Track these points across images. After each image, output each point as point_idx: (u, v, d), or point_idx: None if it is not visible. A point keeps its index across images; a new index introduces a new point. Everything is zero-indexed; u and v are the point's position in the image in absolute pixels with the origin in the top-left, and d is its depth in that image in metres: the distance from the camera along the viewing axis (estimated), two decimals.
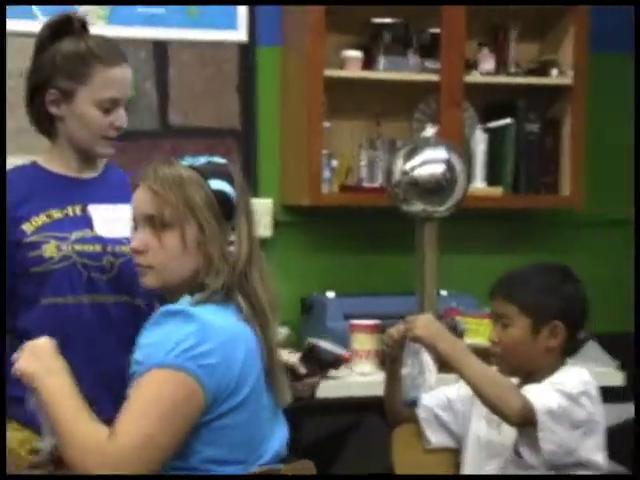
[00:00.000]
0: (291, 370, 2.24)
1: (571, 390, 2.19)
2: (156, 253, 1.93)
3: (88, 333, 2.24)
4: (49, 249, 2.26)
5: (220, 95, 3.55)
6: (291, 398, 2.02)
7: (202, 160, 1.99)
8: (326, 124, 3.49)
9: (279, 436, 1.97)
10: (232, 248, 1.94)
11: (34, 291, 2.26)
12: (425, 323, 2.30)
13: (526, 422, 2.16)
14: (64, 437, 1.79)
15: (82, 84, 2.27)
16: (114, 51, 2.32)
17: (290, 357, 2.28)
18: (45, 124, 2.33)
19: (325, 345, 2.30)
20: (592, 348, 3.89)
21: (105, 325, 2.27)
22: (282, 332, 3.43)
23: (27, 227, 2.27)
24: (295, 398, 2.24)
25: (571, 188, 3.64)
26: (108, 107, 2.28)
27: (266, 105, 3.59)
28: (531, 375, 2.29)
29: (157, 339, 1.84)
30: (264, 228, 3.54)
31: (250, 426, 1.88)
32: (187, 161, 1.99)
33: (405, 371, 2.37)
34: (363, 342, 3.19)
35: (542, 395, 2.17)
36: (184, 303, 1.90)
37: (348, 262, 3.66)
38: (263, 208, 3.54)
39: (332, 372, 3.08)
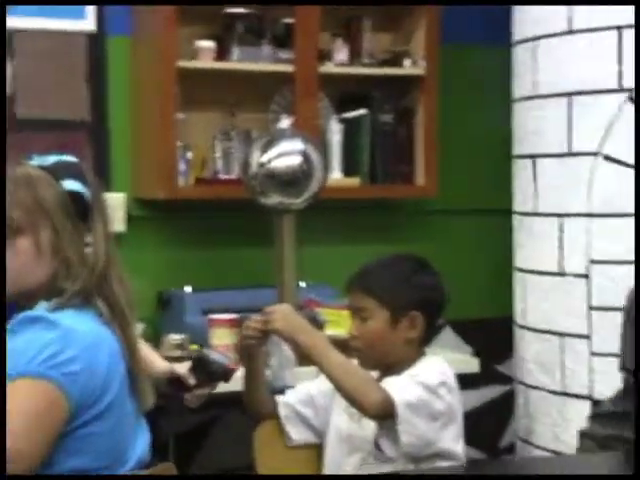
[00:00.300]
0: (180, 381, 2.19)
1: (430, 382, 2.20)
2: (8, 260, 1.84)
3: None
4: None
5: (69, 87, 3.45)
6: (153, 402, 1.97)
7: (51, 160, 1.91)
8: (180, 115, 3.42)
9: (142, 442, 1.92)
10: (89, 250, 1.87)
11: None
12: (283, 315, 2.27)
13: (386, 415, 2.15)
14: None
15: None
16: None
17: (179, 367, 2.22)
18: None
19: (214, 356, 2.26)
20: (447, 335, 3.96)
21: None
22: (138, 328, 3.40)
23: None
24: (184, 409, 2.21)
25: (425, 177, 3.68)
26: None
27: (117, 96, 3.50)
28: (390, 367, 2.29)
29: (17, 347, 1.76)
30: (117, 223, 3.46)
31: (115, 433, 1.82)
32: (36, 161, 1.90)
33: (270, 362, 2.33)
34: (222, 337, 3.15)
35: (402, 388, 2.18)
36: (41, 309, 1.83)
37: (206, 256, 3.61)
38: (116, 202, 3.45)
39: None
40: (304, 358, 2.34)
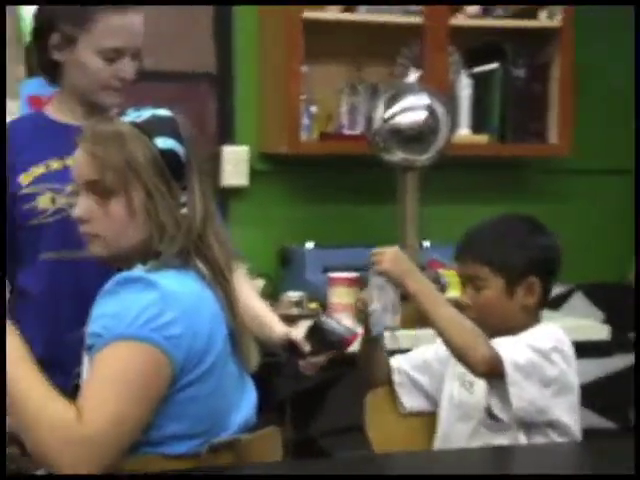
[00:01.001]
0: (295, 347, 2.14)
1: (542, 346, 2.09)
2: (101, 222, 1.78)
3: (87, 292, 2.01)
4: (43, 201, 2.18)
5: (195, 38, 3.41)
6: (259, 362, 1.89)
7: (146, 115, 1.81)
8: (305, 68, 3.35)
9: (247, 405, 1.85)
10: (185, 210, 1.79)
11: (32, 246, 2.19)
12: (393, 257, 2.16)
13: (492, 373, 2.05)
14: (26, 415, 1.61)
15: (84, 30, 2.16)
16: None
17: (295, 333, 2.16)
18: (49, 69, 2.23)
19: (332, 325, 2.15)
20: (578, 300, 3.82)
21: (102, 284, 2.15)
22: (258, 284, 3.37)
23: (23, 179, 2.19)
24: (299, 375, 2.15)
25: (559, 136, 3.52)
26: (112, 57, 2.18)
27: (243, 48, 3.45)
28: (505, 335, 2.18)
29: (116, 309, 1.68)
30: (240, 177, 3.44)
31: (216, 397, 1.76)
32: (130, 116, 1.82)
33: (371, 307, 2.24)
34: (341, 295, 3.08)
35: (511, 348, 2.07)
36: (139, 270, 1.76)
37: (328, 212, 3.54)
38: (239, 156, 3.43)
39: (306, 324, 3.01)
40: (408, 300, 2.21)
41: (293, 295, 3.13)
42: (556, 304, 3.77)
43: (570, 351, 2.17)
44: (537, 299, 2.19)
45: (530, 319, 2.19)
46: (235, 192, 3.46)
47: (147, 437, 1.70)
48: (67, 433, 1.59)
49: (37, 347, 2.02)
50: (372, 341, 2.26)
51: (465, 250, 2.22)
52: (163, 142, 1.78)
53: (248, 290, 2.26)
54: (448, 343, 2.07)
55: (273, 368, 2.16)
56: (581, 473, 1.79)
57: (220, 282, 1.80)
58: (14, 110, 2.98)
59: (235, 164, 3.43)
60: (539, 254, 2.18)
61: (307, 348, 2.12)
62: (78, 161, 1.81)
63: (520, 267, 2.16)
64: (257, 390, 1.92)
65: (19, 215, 2.19)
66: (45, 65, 2.24)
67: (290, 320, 2.92)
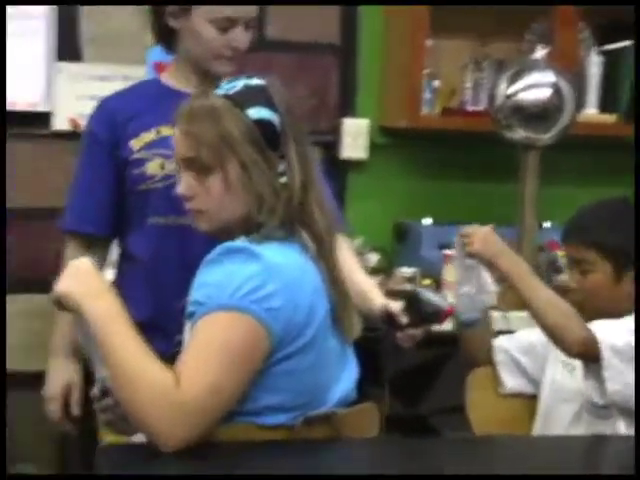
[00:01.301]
0: (393, 319, 2.12)
1: None
2: (202, 198, 1.79)
3: (193, 258, 2.05)
4: (152, 167, 2.22)
5: (320, 9, 3.39)
6: (360, 331, 1.87)
7: (239, 85, 1.80)
8: (430, 42, 3.31)
9: (346, 380, 1.84)
10: (284, 179, 1.78)
11: (141, 210, 2.23)
12: (483, 237, 2.12)
13: (587, 355, 2.00)
14: (125, 381, 1.63)
15: None
16: None
17: (394, 305, 2.14)
18: (165, 37, 2.26)
19: (428, 296, 2.13)
20: None
21: (207, 252, 2.17)
22: (373, 258, 3.35)
23: (135, 143, 2.23)
24: (395, 347, 2.13)
25: None
26: (225, 26, 2.19)
27: (368, 21, 3.42)
28: (607, 318, 2.12)
29: (219, 278, 1.69)
30: (359, 150, 3.42)
31: (314, 370, 1.75)
32: (223, 88, 1.80)
33: (462, 290, 2.20)
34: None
35: (610, 331, 2.01)
36: (243, 241, 1.76)
37: (446, 188, 3.49)
38: (359, 129, 3.41)
39: None
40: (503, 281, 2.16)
41: (406, 271, 3.11)
42: None
43: None
44: None
45: (633, 306, 2.12)
46: (354, 165, 3.45)
47: (243, 407, 1.70)
48: (165, 398, 1.61)
49: (141, 310, 2.06)
50: (465, 324, 2.22)
51: (573, 232, 2.17)
52: (257, 112, 1.77)
53: (352, 262, 2.25)
54: (542, 324, 2.03)
55: (375, 343, 2.13)
56: None
57: (323, 252, 1.78)
58: (141, 76, 3.03)
59: (355, 137, 3.41)
60: None
61: (404, 320, 2.09)
62: (175, 139, 1.82)
63: (629, 253, 2.10)
64: (360, 366, 1.91)
65: (129, 180, 2.23)
66: (162, 32, 2.26)
67: (399, 295, 2.92)
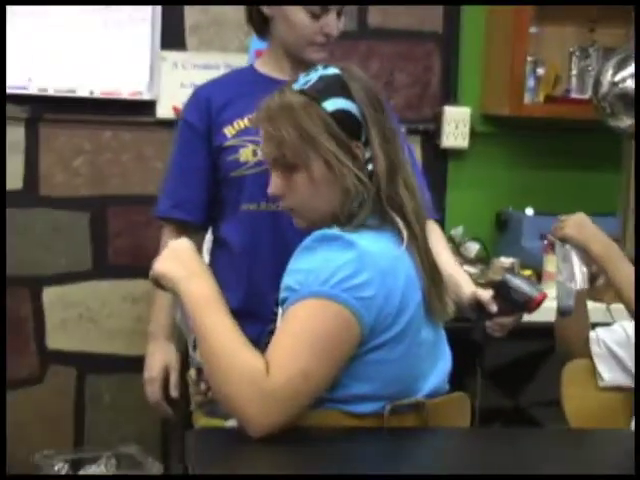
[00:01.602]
0: (482, 307, 2.10)
1: None
2: (291, 196, 1.79)
3: (285, 244, 2.09)
4: (245, 153, 2.23)
5: None
6: (452, 314, 1.85)
7: (314, 78, 1.78)
8: (533, 29, 3.26)
9: (438, 373, 1.82)
10: (370, 166, 1.77)
11: (234, 197, 2.25)
12: (577, 222, 2.12)
13: None
14: (214, 357, 1.65)
15: None
16: None
17: (483, 293, 2.12)
18: (259, 24, 2.28)
19: (518, 282, 2.09)
20: None
21: (300, 238, 2.19)
22: (473, 247, 3.32)
23: (228, 131, 2.25)
24: (486, 337, 2.11)
25: None
26: (317, 12, 2.19)
27: (471, 8, 3.38)
28: None
29: (312, 265, 1.69)
30: (461, 138, 3.39)
31: (405, 361, 1.74)
32: (299, 83, 1.79)
33: (557, 278, 2.16)
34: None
35: None
36: (337, 230, 1.74)
37: (549, 177, 3.44)
38: (461, 117, 3.38)
39: None
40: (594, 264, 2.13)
41: (505, 260, 3.07)
42: None
43: None
44: None
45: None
46: (455, 153, 3.42)
47: (332, 395, 1.71)
48: (255, 384, 1.62)
49: (235, 297, 2.08)
50: (562, 313, 2.19)
51: None
52: (333, 104, 1.75)
53: (441, 247, 2.23)
54: (630, 307, 2.00)
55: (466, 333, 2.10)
56: None
57: (414, 237, 1.76)
58: (244, 63, 3.05)
59: (456, 125, 3.38)
60: None
61: (494, 308, 2.06)
62: (262, 140, 1.82)
63: None
64: (454, 357, 1.88)
65: (223, 166, 2.25)
66: (256, 19, 2.27)
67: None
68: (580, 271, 2.15)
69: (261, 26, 2.28)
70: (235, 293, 2.12)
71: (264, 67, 2.31)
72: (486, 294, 2.09)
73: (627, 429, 2.15)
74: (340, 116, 1.75)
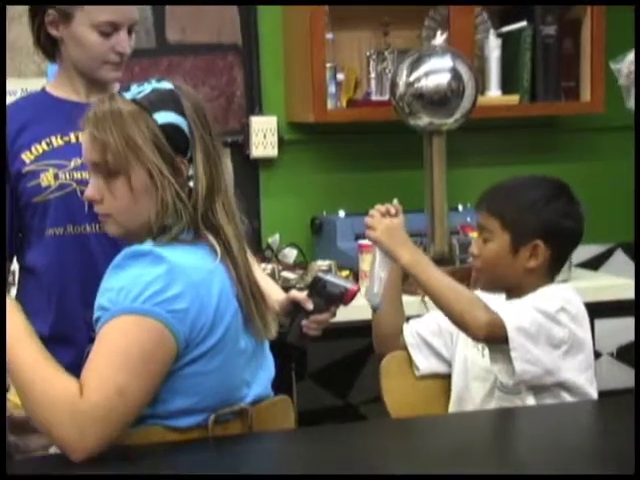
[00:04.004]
0: (299, 307, 2.13)
1: (548, 308, 2.06)
2: (109, 201, 1.79)
3: (93, 266, 2.10)
4: (46, 178, 2.20)
5: (220, 10, 3.40)
6: (276, 332, 1.88)
7: (147, 90, 1.79)
8: (330, 36, 3.33)
9: (261, 381, 1.85)
10: (191, 183, 1.78)
11: (38, 223, 2.21)
12: (387, 227, 2.16)
13: (495, 338, 2.04)
14: (27, 390, 1.63)
15: (79, 5, 2.17)
16: None
17: (297, 294, 2.15)
18: (47, 46, 2.25)
19: (331, 277, 2.14)
20: (619, 258, 3.77)
21: (109, 258, 2.17)
22: (291, 253, 3.37)
23: (26, 156, 2.21)
24: (303, 337, 2.13)
25: (591, 93, 3.47)
26: (107, 31, 2.18)
27: (268, 18, 3.44)
28: (511, 293, 2.17)
29: (123, 283, 1.69)
30: (270, 147, 3.44)
31: (224, 372, 1.75)
32: (131, 92, 1.80)
33: (369, 276, 2.23)
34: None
35: (514, 312, 2.05)
36: (149, 244, 1.76)
37: (358, 179, 3.53)
38: (268, 126, 3.42)
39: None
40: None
41: (322, 263, 3.12)
42: (596, 264, 3.73)
43: (580, 310, 2.13)
44: (542, 263, 2.15)
45: (537, 282, 2.16)
46: (265, 162, 3.47)
47: (153, 410, 1.71)
48: (69, 406, 1.61)
49: (46, 324, 2.06)
50: (373, 308, 2.26)
51: (483, 201, 2.21)
52: (163, 117, 1.77)
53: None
54: (446, 312, 2.07)
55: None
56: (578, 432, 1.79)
57: (231, 255, 1.78)
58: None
59: (264, 134, 3.42)
60: (551, 219, 2.14)
61: (310, 305, 2.09)
62: (83, 143, 1.82)
63: (527, 228, 2.13)
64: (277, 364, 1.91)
65: (24, 193, 2.21)
66: (43, 42, 2.25)
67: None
68: (378, 276, 2.20)
69: (50, 49, 2.25)
70: (45, 320, 2.10)
71: (58, 90, 2.28)
72: (301, 294, 2.13)
73: (445, 414, 2.23)
74: (169, 130, 1.77)
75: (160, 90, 1.80)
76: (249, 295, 1.80)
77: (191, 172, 1.78)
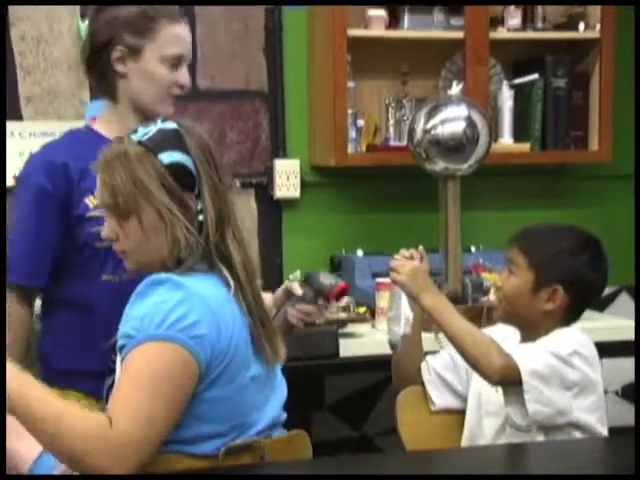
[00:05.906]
0: (290, 293, 2.21)
1: (561, 351, 2.16)
2: (124, 240, 1.88)
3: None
4: None
5: (247, 58, 3.57)
6: (283, 359, 1.95)
7: (152, 131, 1.87)
8: (352, 84, 3.50)
9: (275, 401, 1.92)
10: (201, 217, 1.86)
11: (95, 266, 2.25)
12: (411, 271, 2.26)
13: (509, 381, 2.13)
14: (57, 427, 1.65)
15: (149, 40, 2.25)
16: (175, 8, 2.30)
17: (291, 284, 2.24)
18: (108, 84, 2.28)
19: (323, 274, 2.25)
20: (624, 301, 3.90)
21: None
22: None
23: (90, 200, 2.24)
24: (287, 325, 2.20)
25: (599, 142, 3.62)
26: (174, 63, 2.27)
27: (293, 66, 3.60)
28: (525, 332, 2.27)
29: (145, 310, 1.75)
30: (293, 188, 3.59)
31: (238, 397, 1.82)
32: (139, 134, 1.87)
33: (388, 314, 2.36)
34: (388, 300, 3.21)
35: (528, 355, 2.15)
36: (166, 274, 1.82)
37: (376, 220, 3.68)
38: (291, 169, 3.58)
39: (353, 328, 3.12)
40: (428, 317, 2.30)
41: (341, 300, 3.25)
42: (601, 306, 3.86)
43: (592, 353, 2.22)
44: (558, 308, 2.24)
45: (551, 326, 2.25)
46: (288, 203, 3.62)
47: (174, 436, 1.76)
48: (101, 436, 1.65)
49: (92, 360, 2.13)
50: (391, 347, 2.38)
51: (517, 238, 2.30)
52: (169, 157, 1.84)
53: None
54: (463, 355, 2.17)
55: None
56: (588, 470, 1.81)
57: (241, 285, 1.86)
58: None
59: (287, 176, 3.59)
60: (576, 269, 2.24)
61: (299, 291, 2.18)
62: (97, 186, 1.90)
63: (551, 271, 2.23)
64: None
65: (84, 235, 2.25)
66: (103, 79, 2.28)
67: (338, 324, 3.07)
68: (405, 317, 2.31)
69: (109, 86, 2.28)
70: (94, 357, 2.11)
71: (109, 131, 2.27)
72: (295, 284, 2.22)
73: (458, 447, 2.31)
74: (175, 168, 1.85)
75: (164, 130, 1.88)
76: (258, 324, 1.88)
77: (200, 206, 1.86)
